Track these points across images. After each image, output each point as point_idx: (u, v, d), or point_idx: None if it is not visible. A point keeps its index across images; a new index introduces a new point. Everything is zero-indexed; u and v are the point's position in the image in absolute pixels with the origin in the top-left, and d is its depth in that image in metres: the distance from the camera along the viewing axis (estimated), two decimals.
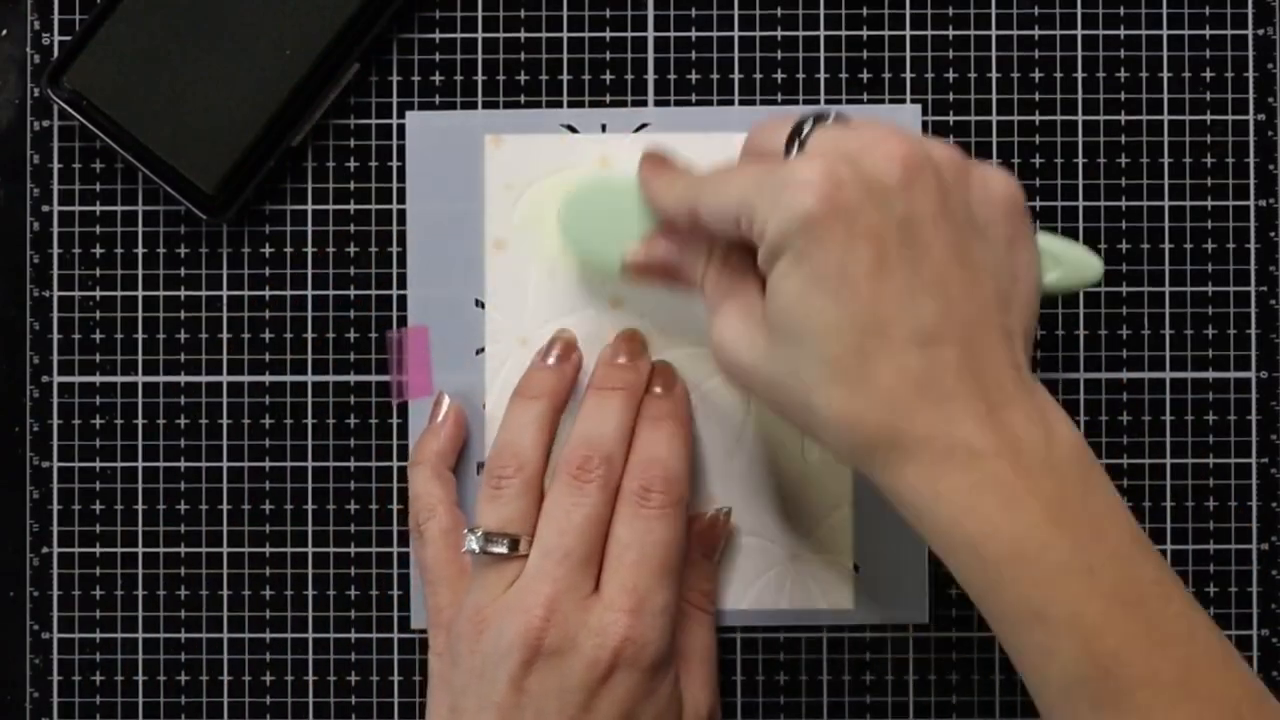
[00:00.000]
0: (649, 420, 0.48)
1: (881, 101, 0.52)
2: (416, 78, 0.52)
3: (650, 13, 0.52)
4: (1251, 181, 0.52)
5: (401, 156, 0.52)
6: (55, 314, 0.52)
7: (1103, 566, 0.39)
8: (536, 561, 0.45)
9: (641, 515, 0.46)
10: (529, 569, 0.45)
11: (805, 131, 0.42)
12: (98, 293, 0.52)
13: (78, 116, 0.50)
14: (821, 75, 0.52)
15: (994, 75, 0.52)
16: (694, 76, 0.52)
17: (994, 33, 0.52)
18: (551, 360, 0.50)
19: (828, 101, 0.52)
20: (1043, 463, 0.39)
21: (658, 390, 0.49)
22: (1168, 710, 0.38)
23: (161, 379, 0.52)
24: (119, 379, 0.52)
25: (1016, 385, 0.40)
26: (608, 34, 0.52)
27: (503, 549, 0.46)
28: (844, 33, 0.52)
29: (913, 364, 0.39)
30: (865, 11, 0.52)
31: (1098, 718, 0.38)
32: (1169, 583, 0.40)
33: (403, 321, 0.51)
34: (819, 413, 0.40)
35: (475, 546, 0.46)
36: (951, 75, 0.52)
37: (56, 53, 0.51)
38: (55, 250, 0.52)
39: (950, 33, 0.52)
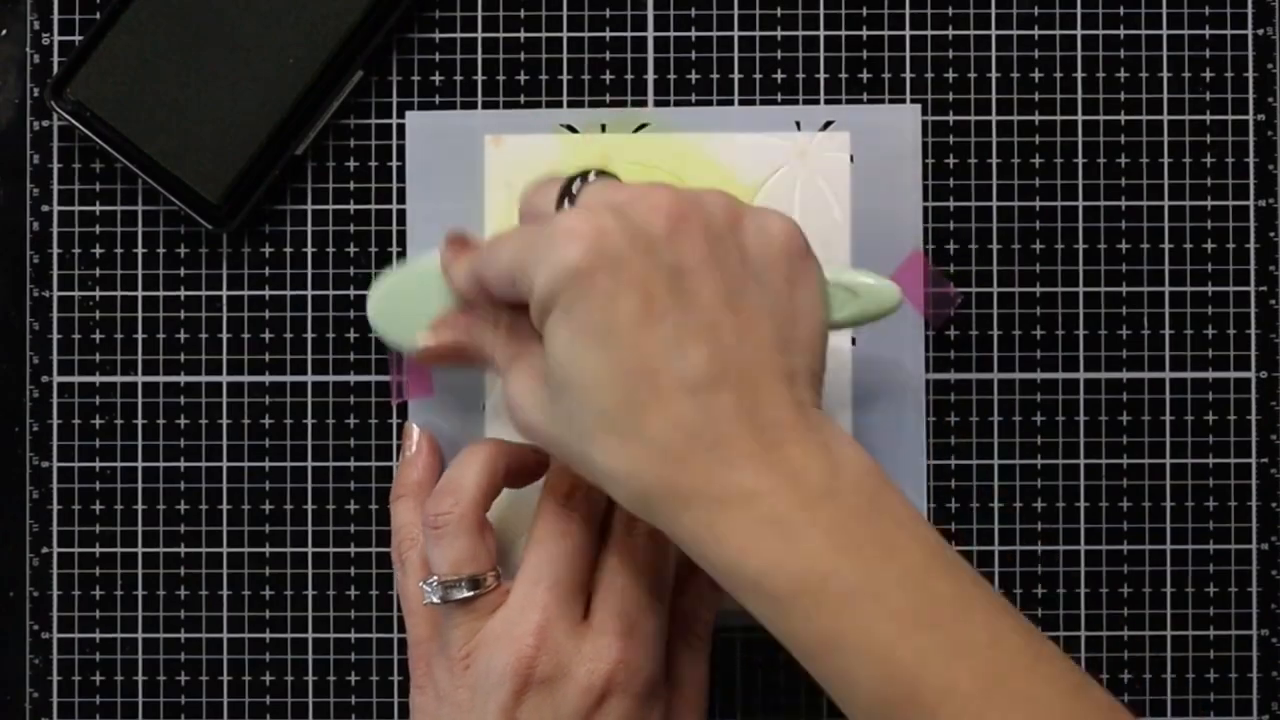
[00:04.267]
0: None
1: (881, 101, 0.52)
2: (416, 78, 0.52)
3: (650, 13, 0.52)
4: (1251, 181, 0.52)
5: (401, 156, 0.52)
6: (55, 314, 0.52)
7: (892, 587, 0.39)
8: (525, 590, 0.44)
9: (630, 542, 0.45)
10: (516, 598, 0.44)
11: (575, 188, 0.42)
12: (98, 293, 0.52)
13: (81, 128, 0.50)
14: (821, 75, 0.52)
15: (994, 75, 0.52)
16: (694, 76, 0.52)
17: (994, 33, 0.52)
18: None
19: (828, 102, 0.52)
20: (824, 493, 0.39)
21: None
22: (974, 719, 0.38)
23: (161, 379, 0.52)
24: (119, 379, 0.52)
25: (796, 422, 0.40)
26: (608, 34, 0.52)
27: (465, 593, 0.45)
28: (844, 33, 0.52)
29: (684, 412, 0.39)
30: (865, 11, 0.52)
31: None
32: (969, 594, 0.40)
33: None
34: (597, 465, 0.40)
35: (436, 599, 0.45)
36: (951, 75, 0.52)
37: (56, 53, 0.51)
38: (55, 250, 0.52)
39: (950, 33, 0.52)
